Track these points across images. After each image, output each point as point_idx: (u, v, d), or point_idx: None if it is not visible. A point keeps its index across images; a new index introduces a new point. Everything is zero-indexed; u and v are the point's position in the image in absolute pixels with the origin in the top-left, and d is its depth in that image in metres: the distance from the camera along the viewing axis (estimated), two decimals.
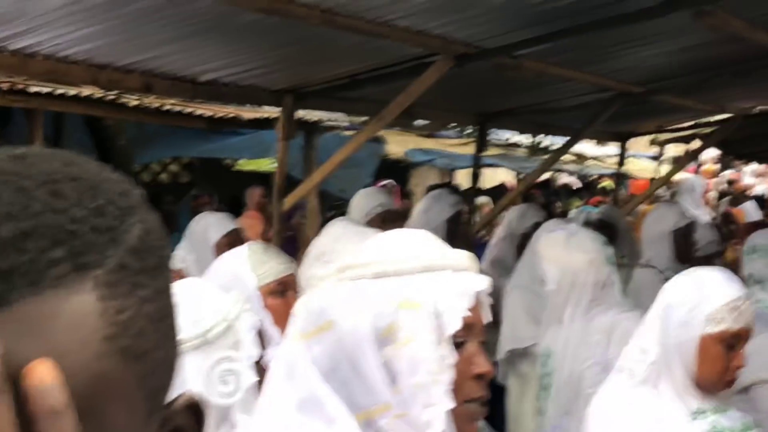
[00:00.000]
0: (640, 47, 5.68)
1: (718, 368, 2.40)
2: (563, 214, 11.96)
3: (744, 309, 2.41)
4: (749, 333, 2.45)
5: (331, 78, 5.69)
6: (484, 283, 1.58)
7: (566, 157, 14.39)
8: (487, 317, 1.59)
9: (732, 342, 2.40)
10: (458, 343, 1.53)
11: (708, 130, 9.49)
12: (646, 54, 5.91)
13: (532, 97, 7.25)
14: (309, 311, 1.55)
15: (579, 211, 10.20)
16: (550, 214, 11.39)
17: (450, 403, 1.47)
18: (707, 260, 5.14)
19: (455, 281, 1.53)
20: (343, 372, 1.49)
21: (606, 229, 5.95)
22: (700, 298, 2.40)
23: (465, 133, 13.51)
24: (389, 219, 5.31)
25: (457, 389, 1.51)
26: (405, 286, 1.51)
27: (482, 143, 8.04)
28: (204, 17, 4.22)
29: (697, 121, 9.54)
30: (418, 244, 1.60)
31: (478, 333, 1.57)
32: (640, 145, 12.38)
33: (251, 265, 2.88)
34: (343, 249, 3.13)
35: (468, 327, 1.54)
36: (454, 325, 1.50)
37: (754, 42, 5.43)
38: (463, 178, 13.66)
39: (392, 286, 1.51)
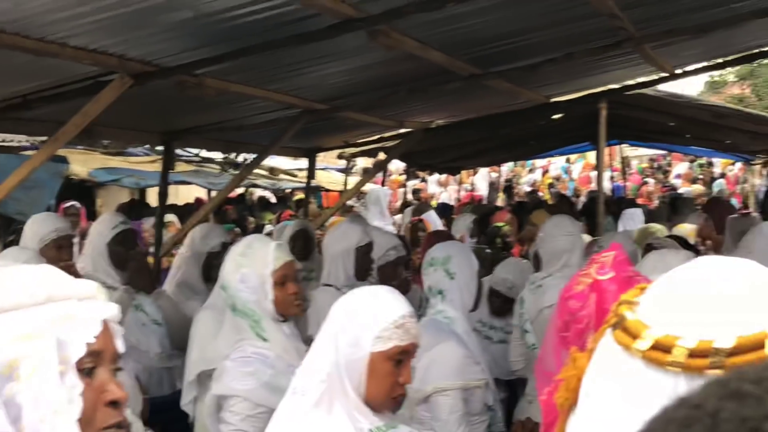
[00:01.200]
0: (321, 65, 5.79)
1: (386, 385, 2.45)
2: (257, 229, 12.01)
3: (410, 326, 2.49)
4: (415, 348, 2.53)
5: (2, 98, 5.32)
6: (111, 310, 1.55)
7: (260, 171, 14.48)
8: (119, 346, 1.55)
9: (399, 358, 2.46)
10: (87, 370, 1.49)
11: (391, 143, 9.89)
12: (327, 72, 6.03)
13: (219, 115, 7.20)
14: None
15: (282, 225, 10.26)
16: (243, 230, 11.43)
17: None
18: (392, 267, 5.30)
19: (79, 309, 1.49)
20: None
21: (301, 241, 5.99)
22: (369, 317, 2.44)
23: (155, 150, 13.20)
24: (65, 245, 5.04)
25: (89, 418, 1.48)
26: (25, 318, 1.44)
27: (169, 161, 7.87)
28: None
29: (380, 135, 9.91)
30: (39, 276, 1.52)
31: (110, 360, 1.53)
32: (331, 157, 12.67)
33: None
34: None
35: (96, 354, 1.50)
36: (78, 352, 1.45)
37: (427, 60, 5.71)
38: (154, 196, 13.32)
39: (10, 319, 1.44)
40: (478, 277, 4.00)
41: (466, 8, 4.68)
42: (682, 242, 6.65)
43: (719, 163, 23.72)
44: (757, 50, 8.14)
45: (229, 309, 3.45)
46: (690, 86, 34.63)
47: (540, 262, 4.85)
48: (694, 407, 0.50)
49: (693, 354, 1.05)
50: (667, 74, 8.03)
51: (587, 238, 7.76)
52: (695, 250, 6.32)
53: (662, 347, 1.07)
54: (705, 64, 8.76)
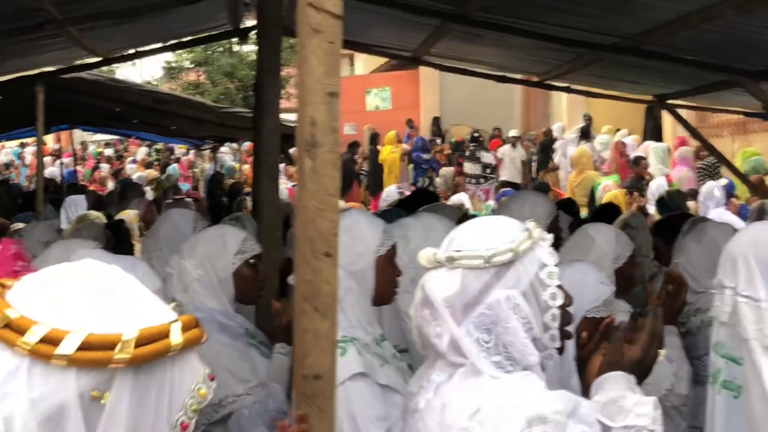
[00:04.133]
0: None
1: None
2: None
3: None
4: None
5: None
6: None
7: None
8: None
9: None
10: None
11: None
12: None
13: None
14: None
15: None
16: None
17: None
18: None
19: None
20: None
21: None
22: None
23: None
24: None
25: None
26: None
27: None
28: None
29: None
30: None
31: None
32: None
33: None
34: None
35: None
36: None
37: None
38: None
39: None
40: None
41: None
42: (123, 230, 6.62)
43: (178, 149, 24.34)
44: (204, 35, 8.41)
45: None
46: (150, 71, 35.03)
47: None
48: None
49: (89, 347, 1.09)
50: (101, 58, 7.92)
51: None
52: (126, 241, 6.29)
53: (51, 341, 1.09)
54: (157, 46, 8.80)
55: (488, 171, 18.45)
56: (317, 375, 1.82)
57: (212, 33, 8.39)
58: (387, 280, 2.77)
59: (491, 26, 5.90)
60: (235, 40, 12.11)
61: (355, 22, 6.92)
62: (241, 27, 7.70)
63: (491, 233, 1.95)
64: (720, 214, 9.96)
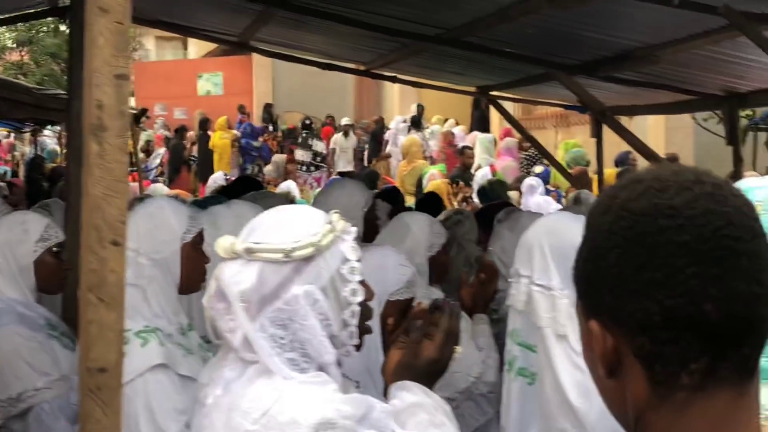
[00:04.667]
0: None
1: None
2: None
3: None
4: None
5: None
6: None
7: None
8: None
9: None
10: None
11: None
12: None
13: None
14: None
15: None
16: None
17: None
18: None
19: None
20: None
21: None
22: None
23: None
24: None
25: None
26: None
27: None
28: None
29: None
30: None
31: None
32: None
33: None
34: None
35: None
36: None
37: None
38: None
39: None
40: None
41: None
42: None
43: None
44: (21, 13, 8.03)
45: None
46: None
47: None
48: None
49: None
50: None
51: None
52: None
53: None
54: None
55: (318, 159, 18.41)
56: (102, 368, 1.74)
57: (30, 11, 8.03)
58: (193, 268, 2.70)
59: (314, 13, 5.87)
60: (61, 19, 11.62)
61: (181, 4, 6.76)
62: (59, 6, 7.40)
63: (293, 225, 1.87)
64: (547, 201, 10.31)
